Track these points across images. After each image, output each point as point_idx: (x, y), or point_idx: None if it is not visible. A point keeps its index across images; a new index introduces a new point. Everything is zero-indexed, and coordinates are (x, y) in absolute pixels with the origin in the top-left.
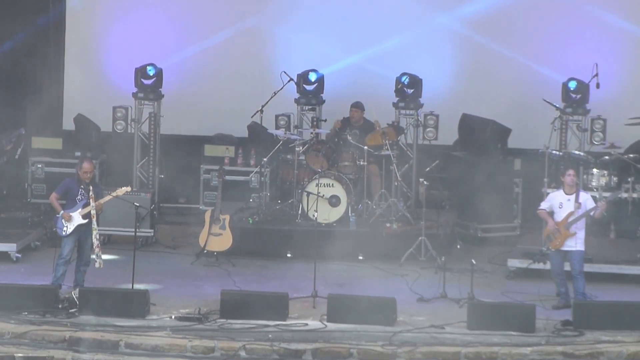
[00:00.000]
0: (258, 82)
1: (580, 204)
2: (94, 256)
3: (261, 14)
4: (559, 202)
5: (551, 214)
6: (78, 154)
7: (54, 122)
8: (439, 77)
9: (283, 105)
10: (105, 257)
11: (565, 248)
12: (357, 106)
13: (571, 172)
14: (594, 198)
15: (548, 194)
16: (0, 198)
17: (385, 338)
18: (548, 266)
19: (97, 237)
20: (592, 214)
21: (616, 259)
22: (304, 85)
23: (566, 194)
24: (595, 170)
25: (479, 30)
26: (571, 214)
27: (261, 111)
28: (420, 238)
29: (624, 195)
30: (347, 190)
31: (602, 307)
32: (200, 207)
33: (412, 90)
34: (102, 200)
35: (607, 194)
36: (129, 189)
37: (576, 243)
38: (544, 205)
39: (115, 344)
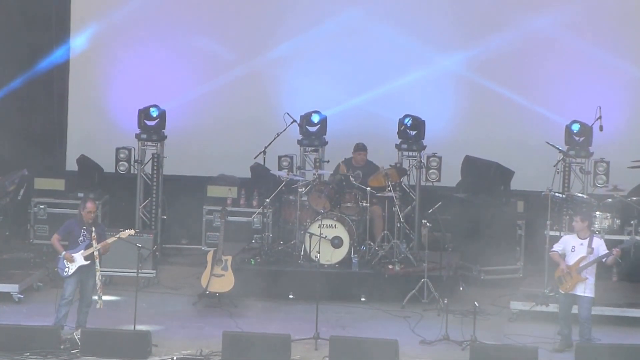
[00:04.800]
0: (261, 123)
1: (592, 249)
2: (95, 297)
3: (264, 57)
4: (571, 246)
5: (563, 256)
6: (81, 194)
7: (56, 163)
8: (442, 119)
9: (286, 146)
10: (107, 298)
11: (574, 292)
12: (362, 148)
13: (577, 218)
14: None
15: (554, 236)
16: (3, 239)
17: None
18: (551, 309)
19: (100, 278)
20: (604, 260)
21: (619, 302)
22: (307, 127)
23: (580, 238)
24: (598, 213)
25: (482, 72)
26: (583, 258)
27: (264, 152)
28: (422, 280)
29: (638, 238)
30: (349, 231)
31: (605, 350)
32: (203, 248)
33: (415, 132)
34: (108, 241)
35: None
36: (132, 232)
37: (585, 289)
38: (556, 247)
39: None
